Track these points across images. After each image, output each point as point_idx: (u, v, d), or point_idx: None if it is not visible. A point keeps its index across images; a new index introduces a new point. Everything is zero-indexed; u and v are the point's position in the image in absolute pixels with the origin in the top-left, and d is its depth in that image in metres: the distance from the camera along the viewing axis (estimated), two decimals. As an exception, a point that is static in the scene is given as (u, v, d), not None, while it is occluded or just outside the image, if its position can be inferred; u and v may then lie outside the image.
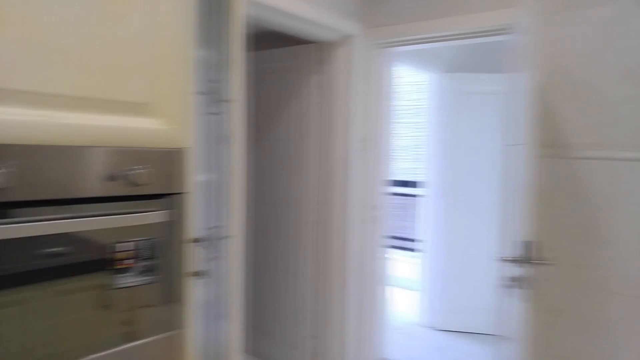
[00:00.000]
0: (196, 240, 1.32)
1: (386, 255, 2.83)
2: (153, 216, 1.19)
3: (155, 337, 1.23)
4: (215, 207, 1.53)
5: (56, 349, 1.04)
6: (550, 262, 1.94)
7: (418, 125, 4.23)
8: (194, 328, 1.34)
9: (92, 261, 1.10)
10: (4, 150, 0.93)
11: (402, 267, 4.34)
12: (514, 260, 1.64)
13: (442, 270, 3.44)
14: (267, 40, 2.99)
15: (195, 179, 1.33)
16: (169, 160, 1.23)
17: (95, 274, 1.11)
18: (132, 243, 1.17)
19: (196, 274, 1.32)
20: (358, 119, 2.58)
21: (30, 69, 0.97)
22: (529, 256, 1.62)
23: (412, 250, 4.32)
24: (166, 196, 1.24)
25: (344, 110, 2.55)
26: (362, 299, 2.71)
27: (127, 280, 1.16)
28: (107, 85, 1.10)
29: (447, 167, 3.40)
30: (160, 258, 1.23)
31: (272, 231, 2.89)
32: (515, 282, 1.66)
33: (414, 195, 4.27)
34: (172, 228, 1.26)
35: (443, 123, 3.41)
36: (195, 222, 1.33)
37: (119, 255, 1.14)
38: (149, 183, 1.18)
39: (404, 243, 4.44)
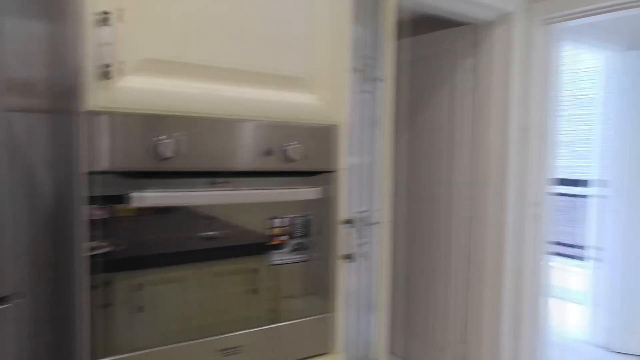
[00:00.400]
0: (348, 222, 1.26)
1: (550, 263, 2.49)
2: (308, 193, 1.16)
3: (305, 319, 1.20)
4: (366, 191, 1.46)
5: (212, 320, 1.06)
6: None
7: (582, 117, 3.69)
8: (343, 315, 1.28)
9: (246, 245, 1.10)
10: (170, 121, 0.97)
11: (568, 276, 3.81)
12: None
13: (621, 282, 2.92)
14: (417, 26, 2.86)
15: (347, 159, 1.27)
16: (323, 136, 1.20)
17: (250, 257, 1.11)
18: (286, 219, 1.15)
19: (348, 256, 1.26)
20: (517, 106, 2.30)
21: (196, 44, 1.00)
22: None
23: (580, 258, 3.76)
24: (320, 173, 1.20)
25: (502, 96, 2.30)
26: (520, 307, 2.41)
27: (281, 257, 1.15)
28: (265, 59, 1.10)
29: (629, 162, 2.88)
30: (313, 237, 1.19)
31: (419, 226, 2.74)
32: None
33: (582, 196, 3.73)
34: (325, 207, 1.22)
35: (623, 110, 2.89)
36: (346, 203, 1.27)
37: (274, 232, 1.14)
38: (303, 159, 1.15)
39: (570, 250, 3.90)
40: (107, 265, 0.93)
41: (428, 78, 2.63)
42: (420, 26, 2.79)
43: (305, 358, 1.19)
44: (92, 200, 0.90)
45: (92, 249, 0.91)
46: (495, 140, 2.33)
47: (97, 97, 0.88)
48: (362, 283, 1.46)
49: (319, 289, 1.22)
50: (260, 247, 1.12)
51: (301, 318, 1.19)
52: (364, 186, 1.45)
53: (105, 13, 0.87)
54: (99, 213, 0.91)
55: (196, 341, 1.03)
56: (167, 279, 1.01)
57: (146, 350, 0.97)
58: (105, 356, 0.93)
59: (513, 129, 2.30)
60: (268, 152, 1.11)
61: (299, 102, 1.15)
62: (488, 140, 2.35)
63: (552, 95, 2.42)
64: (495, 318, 2.38)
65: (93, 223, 0.90)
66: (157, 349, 0.98)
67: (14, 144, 1.27)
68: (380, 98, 1.49)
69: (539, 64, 2.35)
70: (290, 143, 1.13)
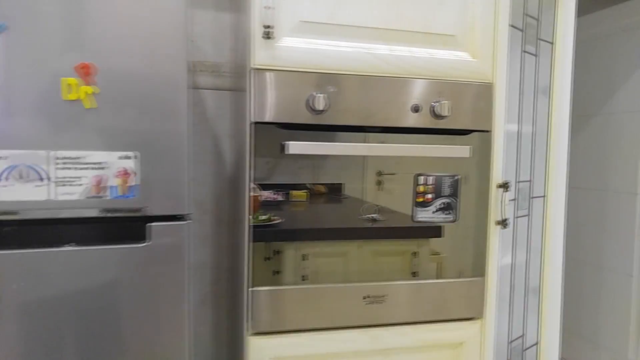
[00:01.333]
0: (503, 186, 1.19)
1: None
2: (456, 150, 1.13)
3: (451, 280, 1.17)
4: (527, 160, 1.35)
5: (370, 276, 1.12)
6: None
7: None
8: (495, 283, 1.21)
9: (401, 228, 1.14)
10: (325, 78, 1.06)
11: None
12: None
13: None
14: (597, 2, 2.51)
15: (503, 117, 1.20)
16: (475, 94, 1.16)
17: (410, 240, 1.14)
18: (431, 177, 1.15)
19: (501, 222, 1.19)
20: None
21: (347, 5, 1.07)
22: None
23: None
24: (470, 132, 1.16)
25: None
26: None
27: (426, 215, 1.15)
28: (415, 17, 1.12)
29: None
30: (461, 197, 1.16)
31: (607, 222, 2.39)
32: None
33: None
34: (477, 167, 1.17)
35: None
36: (501, 166, 1.20)
37: (419, 189, 1.14)
38: (453, 116, 1.13)
39: None
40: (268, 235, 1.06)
41: (622, 55, 2.28)
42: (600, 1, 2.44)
43: (452, 320, 1.16)
44: (256, 149, 1.04)
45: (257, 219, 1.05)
46: None
47: (261, 55, 1.02)
48: (518, 260, 1.35)
49: (468, 252, 1.18)
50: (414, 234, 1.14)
51: (451, 279, 1.17)
52: (525, 155, 1.35)
53: (269, -19, 1.00)
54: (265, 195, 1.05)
55: (346, 285, 1.10)
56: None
57: (295, 287, 1.08)
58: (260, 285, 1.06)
59: None
60: (416, 109, 1.12)
61: (450, 59, 1.14)
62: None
63: None
64: None
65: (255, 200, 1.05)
66: (302, 286, 1.08)
67: (205, 117, 1.53)
68: (548, 62, 1.37)
69: None
70: (439, 100, 1.12)
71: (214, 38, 1.51)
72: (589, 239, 2.49)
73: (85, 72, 0.84)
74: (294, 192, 1.10)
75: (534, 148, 1.37)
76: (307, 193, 1.10)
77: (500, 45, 1.18)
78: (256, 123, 1.04)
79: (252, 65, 1.02)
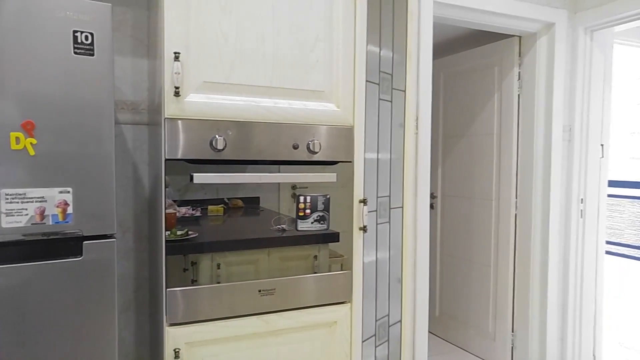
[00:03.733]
0: (363, 201, 1.59)
1: (599, 259, 2.54)
2: (325, 176, 1.51)
3: (326, 274, 1.54)
4: (387, 179, 1.77)
5: (254, 269, 1.45)
6: None
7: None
8: (359, 275, 1.60)
9: (305, 236, 1.48)
10: (224, 124, 1.39)
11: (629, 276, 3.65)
12: None
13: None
14: (466, 42, 3.08)
15: (362, 151, 1.60)
16: (339, 135, 1.54)
17: (314, 245, 1.49)
18: (309, 197, 1.51)
19: (362, 228, 1.58)
20: (562, 109, 2.43)
21: (242, 69, 1.41)
22: None
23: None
24: (336, 163, 1.54)
25: (546, 100, 2.45)
26: (566, 301, 2.49)
27: (306, 225, 1.51)
28: (294, 78, 1.48)
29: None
30: (330, 212, 1.54)
31: (472, 224, 2.92)
32: None
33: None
34: (343, 190, 1.56)
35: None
36: (362, 187, 1.60)
37: (300, 205, 1.50)
38: (323, 151, 1.51)
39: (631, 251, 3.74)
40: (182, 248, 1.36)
41: (480, 88, 2.83)
42: (469, 41, 3.01)
43: (327, 304, 1.53)
44: (172, 176, 1.34)
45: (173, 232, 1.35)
46: (540, 142, 2.47)
47: (172, 108, 1.32)
48: (380, 257, 1.76)
49: (338, 252, 1.56)
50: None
51: (324, 273, 1.53)
52: (384, 176, 1.76)
53: (176, 53, 1.31)
54: (183, 211, 1.35)
55: (244, 282, 1.42)
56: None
57: (202, 286, 1.38)
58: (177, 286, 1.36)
59: (558, 130, 2.44)
60: (295, 147, 1.48)
61: (320, 109, 1.52)
62: (533, 141, 2.50)
63: (602, 97, 2.51)
64: (541, 310, 2.49)
65: (171, 217, 1.34)
66: (208, 285, 1.39)
67: (126, 147, 1.79)
68: (401, 105, 1.80)
69: (584, 69, 2.47)
70: (313, 140, 1.49)
71: (132, 80, 1.78)
72: (461, 238, 3.02)
73: (28, 128, 1.10)
74: (211, 207, 1.41)
75: (392, 169, 1.79)
76: (223, 207, 1.41)
77: (358, 98, 1.57)
78: (168, 160, 1.34)
79: (165, 116, 1.32)
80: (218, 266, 1.41)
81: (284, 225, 1.49)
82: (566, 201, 2.50)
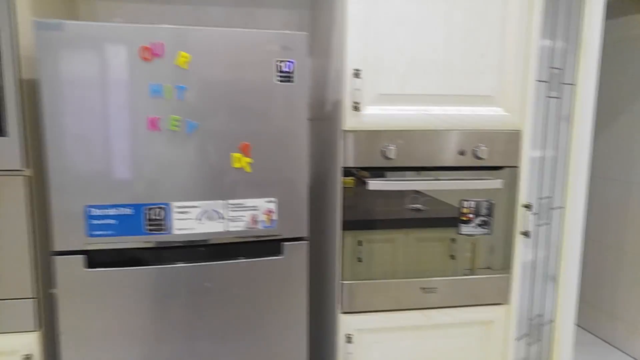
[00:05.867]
0: (526, 206, 1.59)
1: None
2: (491, 183, 1.53)
3: (485, 276, 1.60)
4: (548, 180, 1.74)
5: (414, 269, 1.56)
6: None
7: None
8: (518, 277, 1.63)
9: (443, 218, 1.56)
10: (395, 134, 1.47)
11: None
12: None
13: None
14: (626, 3, 2.73)
15: (529, 156, 1.59)
16: (507, 140, 1.54)
17: (445, 228, 1.56)
18: (473, 202, 1.56)
19: (524, 233, 1.60)
20: None
21: (414, 79, 1.47)
22: None
23: None
24: (502, 168, 1.56)
25: None
26: None
27: (468, 230, 1.57)
28: (463, 85, 1.50)
29: None
30: (494, 216, 1.57)
31: (628, 209, 2.72)
32: None
33: None
34: (506, 194, 1.58)
35: None
36: (526, 192, 1.60)
37: (463, 210, 1.56)
38: (489, 157, 1.53)
39: None
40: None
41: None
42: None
43: (485, 304, 1.60)
44: (344, 185, 1.48)
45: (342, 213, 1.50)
46: None
47: (351, 121, 1.44)
48: (542, 256, 1.76)
49: (498, 256, 1.61)
50: (454, 222, 1.56)
51: (485, 275, 1.60)
52: (547, 175, 1.73)
53: (357, 70, 1.41)
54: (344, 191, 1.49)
55: (408, 280, 1.55)
56: (382, 240, 1.54)
57: (371, 280, 1.54)
58: (349, 279, 1.53)
59: None
60: (461, 153, 1.53)
61: (488, 114, 1.52)
62: None
63: None
64: None
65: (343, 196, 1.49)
66: (377, 280, 1.54)
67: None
68: (570, 100, 1.72)
69: None
70: (480, 146, 1.52)
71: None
72: (612, 224, 2.84)
73: (246, 150, 1.29)
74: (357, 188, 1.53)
75: (555, 169, 1.75)
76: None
77: (527, 101, 1.55)
78: (345, 167, 1.47)
79: (343, 128, 1.45)
80: (359, 243, 1.55)
81: (419, 205, 1.56)
82: None
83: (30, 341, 1.36)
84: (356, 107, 1.43)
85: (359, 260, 1.54)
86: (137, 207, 1.27)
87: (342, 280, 1.53)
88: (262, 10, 1.88)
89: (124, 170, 1.25)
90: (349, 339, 1.54)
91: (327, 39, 1.64)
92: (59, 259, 1.27)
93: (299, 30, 1.89)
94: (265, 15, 1.89)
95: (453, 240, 1.59)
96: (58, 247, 1.27)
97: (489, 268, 1.62)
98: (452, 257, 1.59)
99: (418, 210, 1.55)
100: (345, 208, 1.50)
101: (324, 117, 1.69)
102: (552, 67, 1.65)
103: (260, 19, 1.89)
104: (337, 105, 1.51)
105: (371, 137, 1.47)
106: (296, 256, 1.39)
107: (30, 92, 1.37)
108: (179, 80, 1.24)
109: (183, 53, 1.23)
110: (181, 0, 1.83)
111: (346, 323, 1.54)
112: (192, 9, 1.84)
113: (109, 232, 1.26)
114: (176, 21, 1.83)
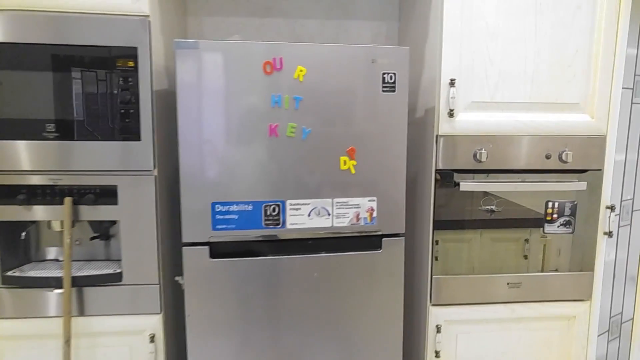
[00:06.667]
0: (610, 207, 1.65)
1: None
2: (575, 185, 1.61)
3: (569, 273, 1.67)
4: (631, 182, 1.78)
5: (498, 265, 1.65)
6: None
7: None
8: (599, 276, 1.70)
9: (523, 219, 1.64)
10: (485, 139, 1.57)
11: None
12: None
13: None
14: None
15: (613, 159, 1.65)
16: (592, 144, 1.61)
17: (523, 229, 1.65)
18: (557, 203, 1.63)
19: (608, 233, 1.66)
20: None
21: (504, 88, 1.56)
22: None
23: None
24: (586, 171, 1.63)
25: None
26: None
27: (552, 229, 1.65)
28: (550, 93, 1.58)
29: None
30: (577, 217, 1.65)
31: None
32: None
33: None
34: (589, 196, 1.64)
35: None
36: (609, 194, 1.66)
37: (548, 210, 1.64)
38: (574, 161, 1.60)
39: None
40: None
41: None
42: None
43: (567, 300, 1.68)
44: (436, 185, 1.59)
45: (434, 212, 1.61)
46: None
47: (445, 127, 1.55)
48: (619, 256, 1.81)
49: (579, 254, 1.68)
50: (535, 223, 1.65)
51: (568, 272, 1.67)
52: (630, 179, 1.78)
53: (452, 80, 1.52)
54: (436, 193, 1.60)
55: (495, 275, 1.65)
56: (457, 239, 1.64)
57: (460, 275, 1.64)
58: (440, 273, 1.64)
59: None
60: (548, 157, 1.61)
61: (574, 121, 1.60)
62: None
63: None
64: None
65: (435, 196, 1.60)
66: (465, 275, 1.64)
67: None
68: (651, 104, 1.77)
69: None
70: (565, 150, 1.59)
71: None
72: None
73: (352, 153, 1.43)
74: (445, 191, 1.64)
75: (637, 171, 1.80)
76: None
77: (613, 107, 1.61)
78: (438, 170, 1.58)
79: (438, 133, 1.56)
80: (436, 242, 1.65)
81: (492, 207, 1.65)
82: None
83: (155, 322, 1.55)
84: (451, 114, 1.54)
85: (446, 256, 1.65)
86: (256, 203, 1.43)
87: (433, 274, 1.64)
88: (352, 22, 2.02)
89: (246, 171, 1.41)
90: (438, 330, 1.65)
91: (419, 50, 1.75)
92: (187, 249, 1.44)
93: (387, 40, 2.01)
94: (355, 27, 2.02)
95: (543, 237, 1.67)
96: (186, 239, 1.44)
97: (571, 266, 1.69)
98: (542, 254, 1.67)
99: (491, 211, 1.64)
100: (436, 207, 1.61)
101: (413, 122, 1.81)
102: (638, 75, 1.70)
103: (351, 30, 2.02)
104: (429, 111, 1.63)
105: (463, 141, 1.57)
106: (394, 251, 1.51)
107: (158, 101, 1.55)
108: (295, 91, 1.39)
109: (300, 67, 1.38)
110: (278, 14, 1.99)
111: (436, 315, 1.65)
112: (288, 21, 1.99)
113: (231, 226, 1.43)
114: (274, 33, 1.99)
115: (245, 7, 1.98)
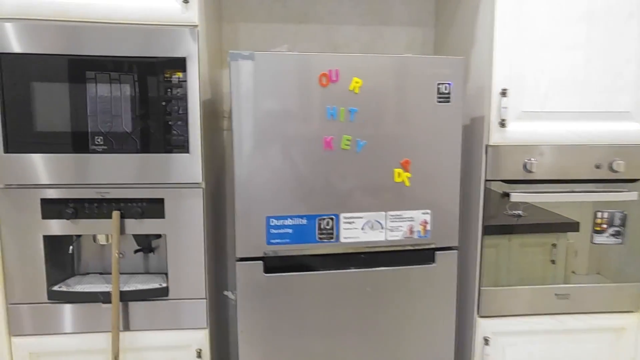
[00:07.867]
0: (659, 218, 1.64)
1: None
2: (627, 195, 1.59)
3: (617, 284, 1.65)
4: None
5: (546, 275, 1.63)
6: None
7: None
8: (648, 288, 1.68)
9: (550, 224, 1.62)
10: (535, 149, 1.55)
11: None
12: None
13: None
14: None
15: (661, 169, 1.63)
16: (642, 153, 1.59)
17: (551, 234, 1.63)
18: (607, 213, 1.62)
19: (657, 245, 1.64)
20: None
21: (554, 98, 1.54)
22: None
23: None
24: (637, 181, 1.61)
25: None
26: None
27: (602, 239, 1.63)
28: (600, 102, 1.56)
29: None
30: (627, 227, 1.63)
31: None
32: None
33: None
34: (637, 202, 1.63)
35: None
36: (658, 204, 1.64)
37: (597, 221, 1.62)
38: (625, 170, 1.59)
39: None
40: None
41: None
42: None
43: (616, 312, 1.66)
44: (486, 194, 1.57)
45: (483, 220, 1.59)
46: None
47: (495, 137, 1.53)
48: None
49: (632, 265, 1.66)
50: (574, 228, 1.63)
51: (617, 283, 1.66)
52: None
53: (504, 89, 1.50)
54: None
55: (543, 286, 1.63)
56: (489, 245, 1.62)
57: (508, 287, 1.62)
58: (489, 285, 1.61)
59: None
60: (598, 166, 1.59)
61: (624, 130, 1.58)
62: None
63: None
64: None
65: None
66: (513, 287, 1.62)
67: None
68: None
69: None
70: (615, 159, 1.57)
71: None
72: None
73: (406, 165, 1.40)
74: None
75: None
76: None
77: (663, 116, 1.59)
78: (487, 180, 1.56)
79: (487, 143, 1.54)
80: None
81: (519, 212, 1.63)
82: None
83: (201, 337, 1.52)
84: (502, 124, 1.52)
85: (493, 266, 1.63)
86: (310, 217, 1.40)
87: (482, 286, 1.62)
88: (388, 28, 1.99)
89: (301, 184, 1.38)
90: (486, 342, 1.63)
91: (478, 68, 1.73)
92: (240, 264, 1.42)
93: (423, 47, 1.99)
94: (391, 33, 2.00)
95: (591, 247, 1.65)
96: (240, 254, 1.41)
97: (620, 276, 1.67)
98: (594, 264, 1.65)
99: (518, 216, 1.62)
100: (485, 218, 1.59)
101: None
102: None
103: (386, 36, 2.00)
104: (476, 120, 1.60)
105: (514, 151, 1.55)
106: (447, 264, 1.49)
107: (205, 113, 1.52)
108: (351, 103, 1.37)
109: (356, 78, 1.35)
110: (314, 20, 1.96)
111: (483, 326, 1.63)
112: (324, 28, 1.97)
113: (286, 240, 1.40)
114: (310, 40, 1.96)
115: (279, 13, 1.95)
